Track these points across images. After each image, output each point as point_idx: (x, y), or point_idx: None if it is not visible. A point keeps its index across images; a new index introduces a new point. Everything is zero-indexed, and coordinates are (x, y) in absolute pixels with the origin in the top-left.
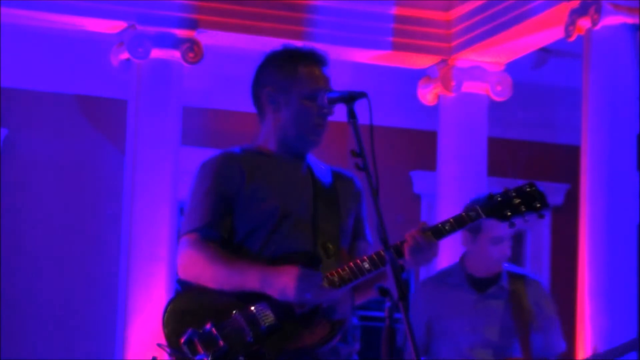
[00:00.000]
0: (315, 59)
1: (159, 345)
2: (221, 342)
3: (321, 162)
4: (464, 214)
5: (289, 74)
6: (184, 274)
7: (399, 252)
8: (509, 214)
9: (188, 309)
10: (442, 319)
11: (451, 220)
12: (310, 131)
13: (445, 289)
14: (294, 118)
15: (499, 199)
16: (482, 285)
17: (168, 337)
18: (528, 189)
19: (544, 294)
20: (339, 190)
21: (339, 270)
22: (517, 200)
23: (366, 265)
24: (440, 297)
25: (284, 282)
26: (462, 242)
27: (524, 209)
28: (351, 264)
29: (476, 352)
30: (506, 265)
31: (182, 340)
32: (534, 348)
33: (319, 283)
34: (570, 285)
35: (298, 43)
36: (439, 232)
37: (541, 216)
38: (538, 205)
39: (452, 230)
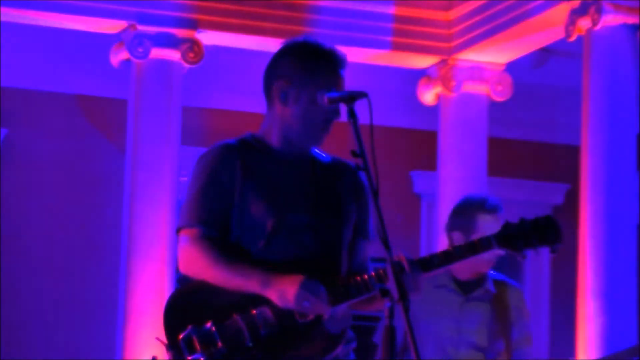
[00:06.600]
0: (335, 59)
1: (158, 338)
2: (220, 344)
3: (323, 153)
4: (476, 241)
5: (307, 70)
6: (185, 270)
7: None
8: (522, 246)
9: (190, 306)
10: (426, 319)
11: (462, 246)
12: (315, 131)
13: (430, 290)
14: (302, 115)
15: (514, 230)
16: (467, 288)
17: (167, 332)
18: (544, 222)
19: (524, 302)
20: (341, 188)
21: (344, 283)
22: (532, 233)
23: (372, 280)
24: (425, 297)
25: (285, 287)
26: (454, 242)
27: (537, 243)
28: (357, 278)
29: (461, 352)
30: (490, 272)
31: (181, 337)
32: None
33: (319, 294)
34: (571, 286)
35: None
36: (450, 257)
37: (554, 251)
38: (552, 239)
39: (462, 257)
